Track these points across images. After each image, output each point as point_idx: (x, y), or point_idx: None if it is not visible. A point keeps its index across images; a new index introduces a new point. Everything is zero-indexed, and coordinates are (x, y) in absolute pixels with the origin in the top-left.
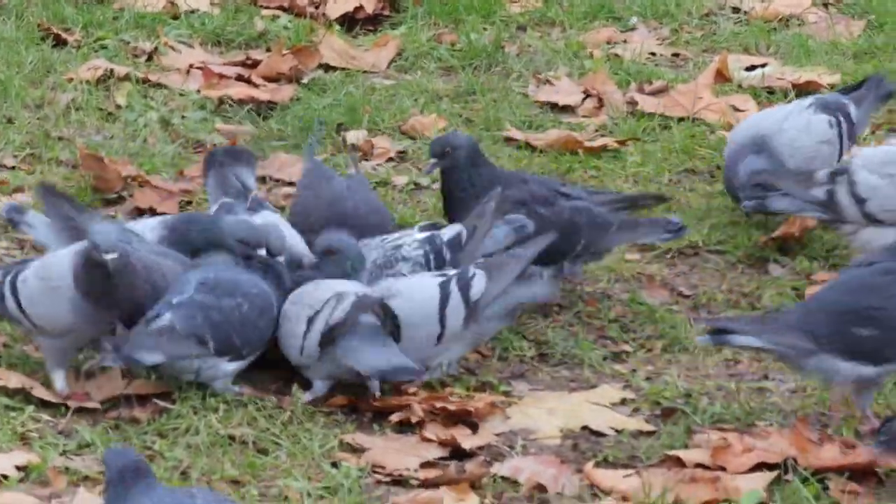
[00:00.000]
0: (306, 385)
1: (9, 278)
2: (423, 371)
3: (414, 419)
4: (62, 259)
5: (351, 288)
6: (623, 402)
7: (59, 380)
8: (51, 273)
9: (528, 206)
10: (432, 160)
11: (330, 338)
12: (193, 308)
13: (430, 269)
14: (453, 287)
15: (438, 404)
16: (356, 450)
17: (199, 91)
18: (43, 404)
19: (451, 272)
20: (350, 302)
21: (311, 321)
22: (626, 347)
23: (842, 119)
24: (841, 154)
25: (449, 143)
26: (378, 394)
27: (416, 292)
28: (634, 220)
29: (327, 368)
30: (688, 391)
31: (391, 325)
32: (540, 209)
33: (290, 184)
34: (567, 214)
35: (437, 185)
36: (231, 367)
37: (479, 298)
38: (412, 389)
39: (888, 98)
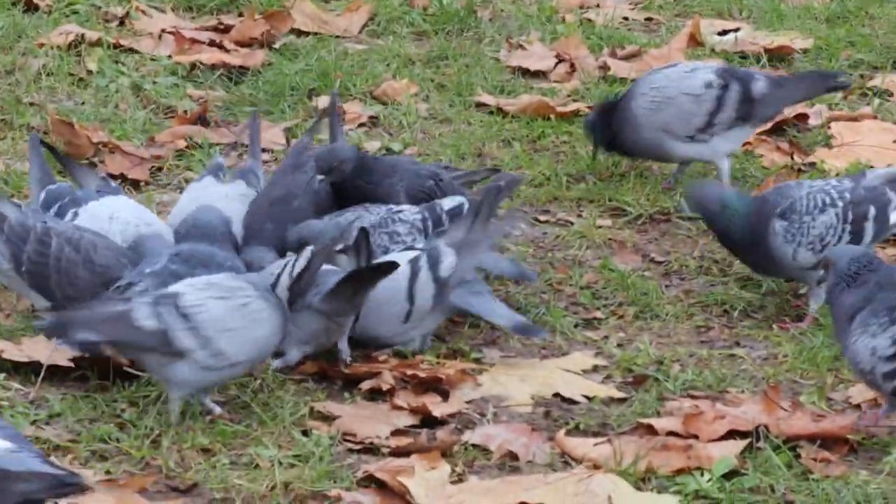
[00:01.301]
0: (277, 353)
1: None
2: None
3: (384, 387)
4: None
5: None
6: (595, 369)
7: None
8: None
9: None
10: (318, 177)
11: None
12: (166, 276)
13: (426, 235)
14: (423, 263)
15: (409, 372)
16: (327, 418)
17: (170, 56)
18: (15, 369)
19: (421, 247)
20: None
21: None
22: (598, 314)
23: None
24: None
25: (336, 157)
26: (348, 360)
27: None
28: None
29: (302, 334)
30: (659, 358)
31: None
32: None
33: (262, 150)
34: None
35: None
36: None
37: (449, 275)
38: (382, 357)
39: None
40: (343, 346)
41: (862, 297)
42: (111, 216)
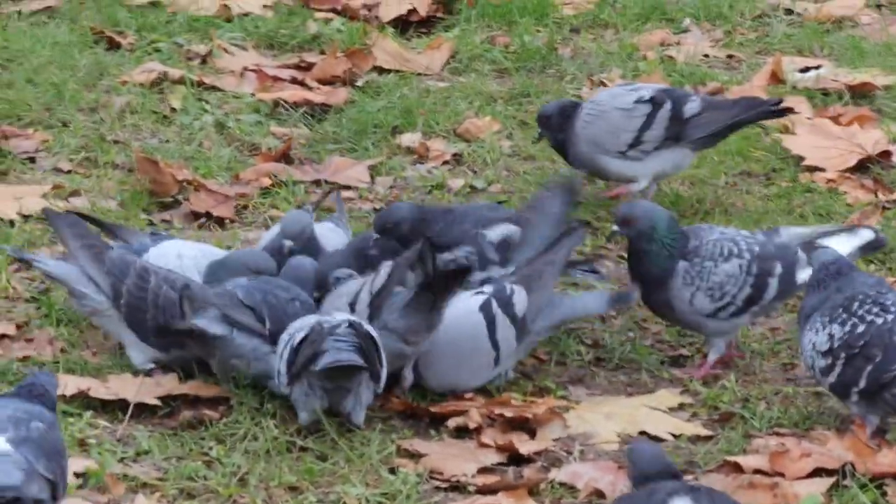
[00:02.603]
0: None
1: None
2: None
3: (472, 425)
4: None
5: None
6: (681, 406)
7: None
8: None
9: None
10: (374, 236)
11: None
12: (251, 289)
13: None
14: (496, 309)
15: (496, 410)
16: (414, 455)
17: (253, 94)
18: (103, 406)
19: (487, 290)
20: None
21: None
22: (683, 352)
23: None
24: None
25: (390, 218)
26: (409, 383)
27: (459, 324)
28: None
29: None
30: (745, 396)
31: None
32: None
33: (346, 187)
34: None
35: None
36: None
37: (525, 312)
38: (469, 395)
39: None
40: (408, 372)
41: (819, 299)
42: (178, 254)
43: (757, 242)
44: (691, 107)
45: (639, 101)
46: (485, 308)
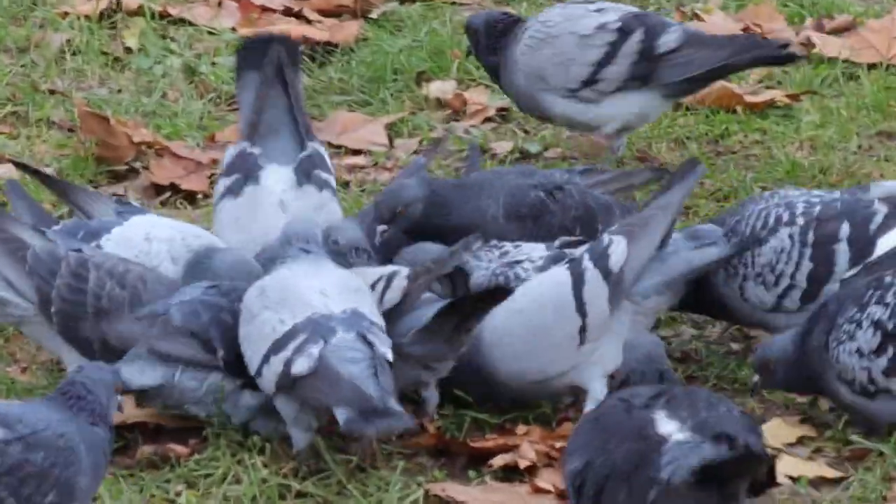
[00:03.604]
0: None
1: None
2: None
3: (524, 463)
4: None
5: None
6: (800, 440)
7: None
8: None
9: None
10: (380, 227)
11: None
12: (195, 307)
13: None
14: (587, 263)
15: (557, 444)
16: (447, 503)
17: (234, 29)
18: None
19: (582, 248)
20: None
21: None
22: None
23: None
24: None
25: (397, 200)
26: (433, 405)
27: (536, 283)
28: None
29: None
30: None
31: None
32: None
33: (356, 151)
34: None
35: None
36: (250, 398)
37: (623, 267)
38: (520, 429)
39: None
40: (430, 393)
41: (836, 307)
42: (147, 236)
43: (821, 202)
44: (667, 39)
45: (602, 28)
46: (573, 263)
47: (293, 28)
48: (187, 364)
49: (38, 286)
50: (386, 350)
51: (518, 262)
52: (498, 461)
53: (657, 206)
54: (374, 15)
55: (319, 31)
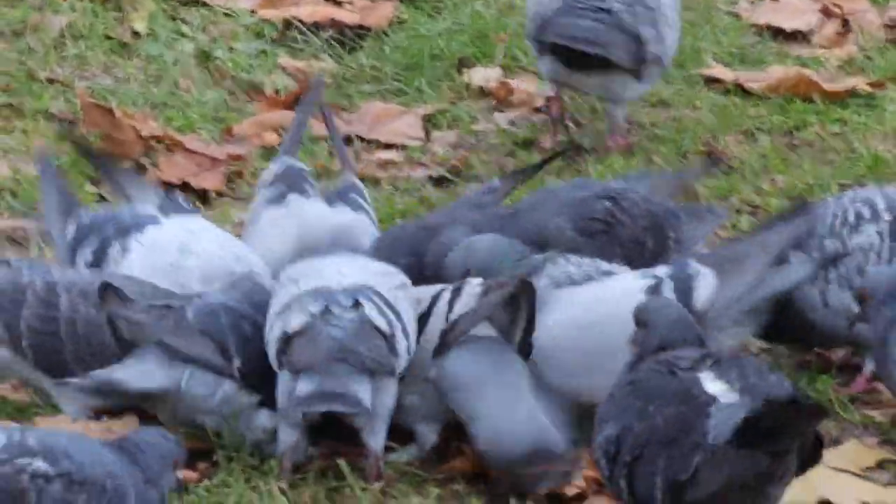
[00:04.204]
0: (403, 437)
1: None
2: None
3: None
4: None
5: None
6: (880, 465)
7: None
8: None
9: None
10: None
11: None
12: (214, 307)
13: None
14: (666, 291)
15: None
16: None
17: (253, 11)
18: None
19: (662, 271)
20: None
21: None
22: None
23: None
24: None
25: (464, 262)
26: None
27: (609, 302)
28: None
29: (433, 406)
30: None
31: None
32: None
33: (389, 146)
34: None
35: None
36: (266, 419)
37: (707, 308)
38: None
39: None
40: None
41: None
42: (182, 247)
43: None
44: None
45: None
46: (653, 291)
47: (321, 10)
48: (198, 366)
49: (4, 321)
50: (382, 321)
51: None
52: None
53: (757, 242)
54: None
55: (350, 14)
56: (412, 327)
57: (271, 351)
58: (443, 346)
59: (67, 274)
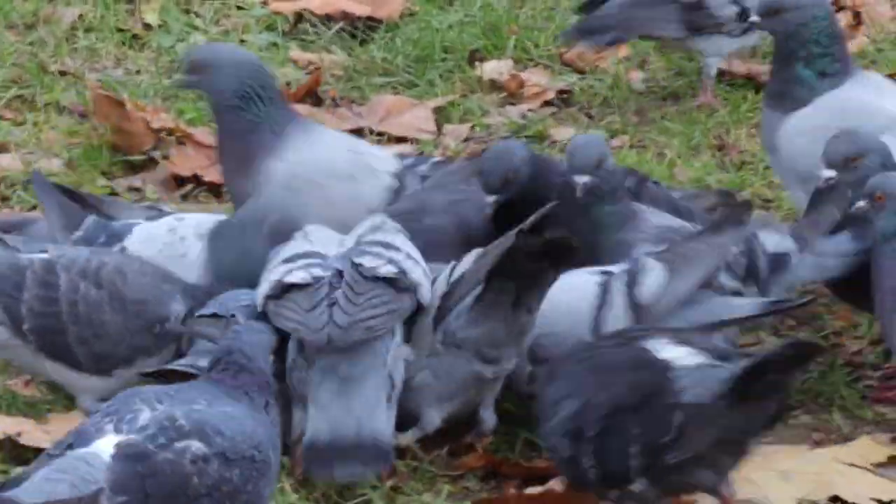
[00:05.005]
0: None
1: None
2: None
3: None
4: None
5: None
6: (892, 460)
7: None
8: None
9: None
10: (489, 198)
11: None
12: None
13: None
14: (618, 285)
15: None
16: None
17: (265, 3)
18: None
19: (618, 268)
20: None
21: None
22: None
23: None
24: None
25: (507, 165)
26: (490, 427)
27: (562, 292)
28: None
29: (442, 385)
30: None
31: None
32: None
33: (401, 139)
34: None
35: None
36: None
37: (652, 302)
38: None
39: None
40: (487, 414)
41: None
42: (171, 227)
43: None
44: None
45: None
46: (604, 284)
47: (332, 2)
48: None
49: (4, 304)
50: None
51: None
52: (555, 485)
53: (708, 241)
54: None
55: (360, 6)
56: (417, 254)
57: (262, 289)
58: (442, 311)
59: (66, 252)
